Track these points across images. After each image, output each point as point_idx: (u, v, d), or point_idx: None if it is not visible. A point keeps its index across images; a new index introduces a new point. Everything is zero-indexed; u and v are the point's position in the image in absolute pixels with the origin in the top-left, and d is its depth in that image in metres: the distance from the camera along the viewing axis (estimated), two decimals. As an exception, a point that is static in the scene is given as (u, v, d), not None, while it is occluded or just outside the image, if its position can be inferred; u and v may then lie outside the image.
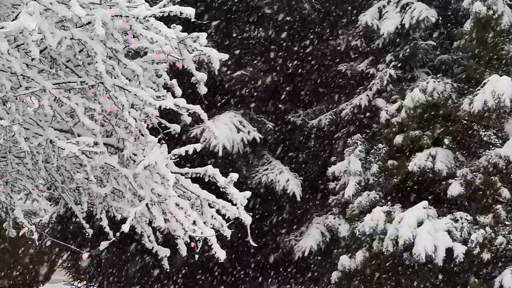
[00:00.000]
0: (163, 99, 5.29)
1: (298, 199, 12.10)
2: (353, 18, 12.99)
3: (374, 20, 11.83)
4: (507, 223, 9.32)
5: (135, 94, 4.97)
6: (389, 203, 10.31)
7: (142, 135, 5.39)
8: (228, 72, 12.74)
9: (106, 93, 4.85)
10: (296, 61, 13.79)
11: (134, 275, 13.20)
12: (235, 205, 5.53)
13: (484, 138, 11.48)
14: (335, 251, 11.16)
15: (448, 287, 9.54)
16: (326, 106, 13.28)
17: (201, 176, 5.62)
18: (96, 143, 4.95)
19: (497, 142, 10.98)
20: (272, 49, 13.67)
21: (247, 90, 12.72)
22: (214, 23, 13.12)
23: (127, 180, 5.33)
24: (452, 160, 10.27)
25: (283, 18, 13.11)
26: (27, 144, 4.80)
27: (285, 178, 12.13)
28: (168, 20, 5.00)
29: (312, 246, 11.77)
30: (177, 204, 5.36)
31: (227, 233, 5.65)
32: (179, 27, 5.06)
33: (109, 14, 4.69)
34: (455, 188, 9.69)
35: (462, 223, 9.38)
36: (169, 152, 5.51)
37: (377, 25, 11.78)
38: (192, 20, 4.88)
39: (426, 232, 9.15)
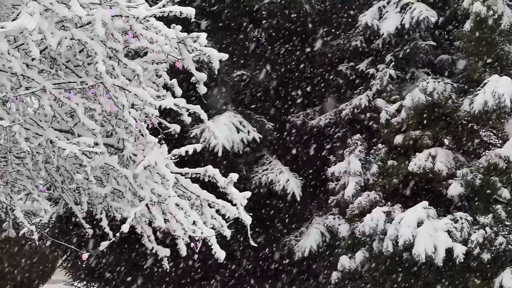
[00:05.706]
0: (163, 99, 5.29)
1: (298, 199, 12.08)
2: (353, 18, 12.99)
3: (374, 20, 11.84)
4: (507, 223, 9.32)
5: (135, 94, 4.96)
6: (389, 203, 10.32)
7: (142, 135, 5.38)
8: (228, 72, 12.74)
9: (106, 93, 4.84)
10: (296, 61, 13.78)
11: (134, 275, 13.19)
12: (235, 205, 5.52)
13: (484, 138, 11.48)
14: (335, 251, 11.16)
15: (448, 287, 9.54)
16: (326, 106, 13.28)
17: (201, 176, 5.62)
18: (96, 143, 4.94)
19: (497, 142, 10.98)
20: (272, 49, 13.67)
21: (247, 90, 12.71)
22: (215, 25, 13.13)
23: (127, 180, 5.33)
24: (452, 160, 10.27)
25: (282, 18, 13.10)
26: (27, 144, 4.79)
27: (285, 178, 12.11)
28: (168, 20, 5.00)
29: (312, 246, 11.76)
30: (177, 204, 5.35)
31: (227, 233, 5.65)
32: (179, 27, 5.05)
33: (109, 14, 4.68)
34: (455, 188, 9.69)
35: (462, 223, 9.38)
36: (169, 152, 5.50)
37: (377, 25, 11.79)
38: (192, 20, 4.87)
39: (426, 232, 9.15)
